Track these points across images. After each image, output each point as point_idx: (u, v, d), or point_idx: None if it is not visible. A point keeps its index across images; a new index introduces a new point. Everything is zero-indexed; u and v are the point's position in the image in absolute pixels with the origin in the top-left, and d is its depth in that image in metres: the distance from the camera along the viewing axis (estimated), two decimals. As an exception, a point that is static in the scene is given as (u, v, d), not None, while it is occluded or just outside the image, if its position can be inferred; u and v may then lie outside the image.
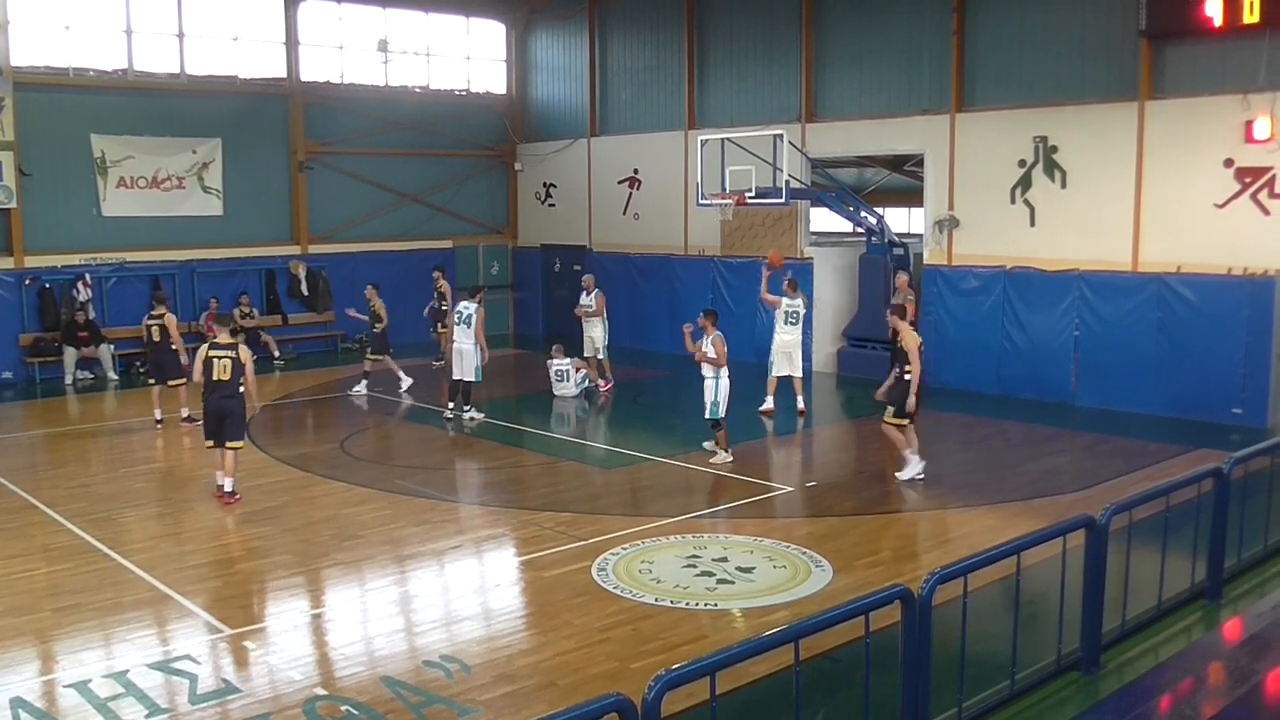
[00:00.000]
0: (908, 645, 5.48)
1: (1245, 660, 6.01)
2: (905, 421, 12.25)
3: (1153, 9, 15.48)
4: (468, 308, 15.61)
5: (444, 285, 20.71)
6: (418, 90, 24.92)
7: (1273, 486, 8.91)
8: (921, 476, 12.34)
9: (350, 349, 22.96)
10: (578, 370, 17.93)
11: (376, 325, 17.96)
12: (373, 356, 18.11)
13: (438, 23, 25.20)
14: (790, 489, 12.32)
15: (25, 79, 19.68)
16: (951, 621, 6.07)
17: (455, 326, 15.73)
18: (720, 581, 9.20)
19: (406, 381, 18.11)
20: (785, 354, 16.09)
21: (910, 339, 12.20)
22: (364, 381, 18.18)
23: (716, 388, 13.03)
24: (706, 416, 13.17)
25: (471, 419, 15.79)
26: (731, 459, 13.15)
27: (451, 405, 15.84)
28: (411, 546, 10.36)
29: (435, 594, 9.42)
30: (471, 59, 25.84)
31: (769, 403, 16.23)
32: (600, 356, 18.30)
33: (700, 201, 19.08)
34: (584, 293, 18.65)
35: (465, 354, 15.59)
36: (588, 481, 12.96)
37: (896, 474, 12.39)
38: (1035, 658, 6.70)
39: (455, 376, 15.77)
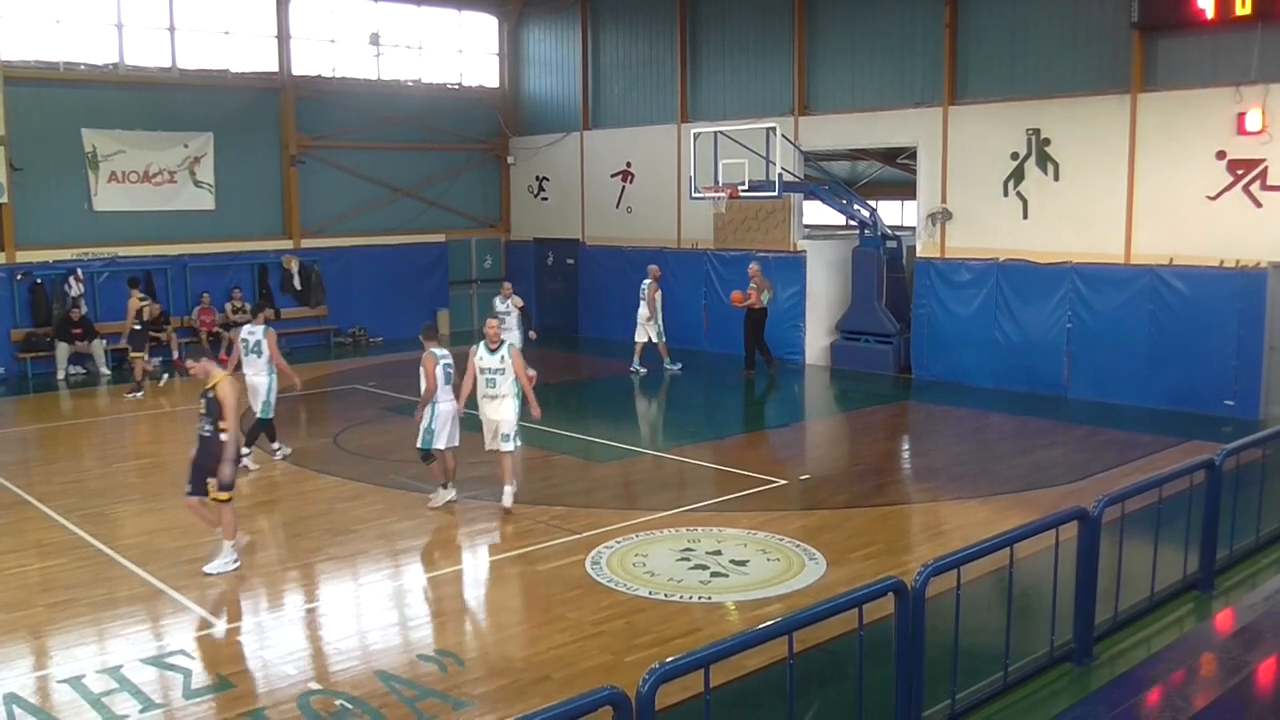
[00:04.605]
0: (901, 638, 5.48)
1: (1237, 651, 6.02)
2: (229, 496, 9.38)
3: (1144, 1, 15.48)
4: (254, 333, 13.02)
5: (140, 304, 17.65)
6: (410, 84, 24.83)
7: (1265, 478, 8.93)
8: (233, 568, 9.36)
9: (343, 343, 22.94)
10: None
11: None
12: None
13: (429, 16, 25.11)
14: (784, 482, 12.33)
15: (16, 73, 19.58)
16: (945, 614, 6.09)
17: (243, 357, 13.00)
18: (714, 575, 9.22)
19: None
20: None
21: (225, 387, 9.33)
22: None
23: (433, 414, 11.10)
24: (418, 445, 11.16)
25: (283, 456, 13.43)
26: (454, 494, 11.33)
27: (246, 451, 12.26)
28: (405, 541, 10.37)
29: (429, 588, 9.42)
30: (464, 52, 25.76)
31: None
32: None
33: (693, 195, 19.05)
34: (500, 299, 17.57)
35: (256, 388, 12.96)
36: (581, 475, 12.95)
37: (205, 568, 9.33)
38: (1028, 650, 6.71)
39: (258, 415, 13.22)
